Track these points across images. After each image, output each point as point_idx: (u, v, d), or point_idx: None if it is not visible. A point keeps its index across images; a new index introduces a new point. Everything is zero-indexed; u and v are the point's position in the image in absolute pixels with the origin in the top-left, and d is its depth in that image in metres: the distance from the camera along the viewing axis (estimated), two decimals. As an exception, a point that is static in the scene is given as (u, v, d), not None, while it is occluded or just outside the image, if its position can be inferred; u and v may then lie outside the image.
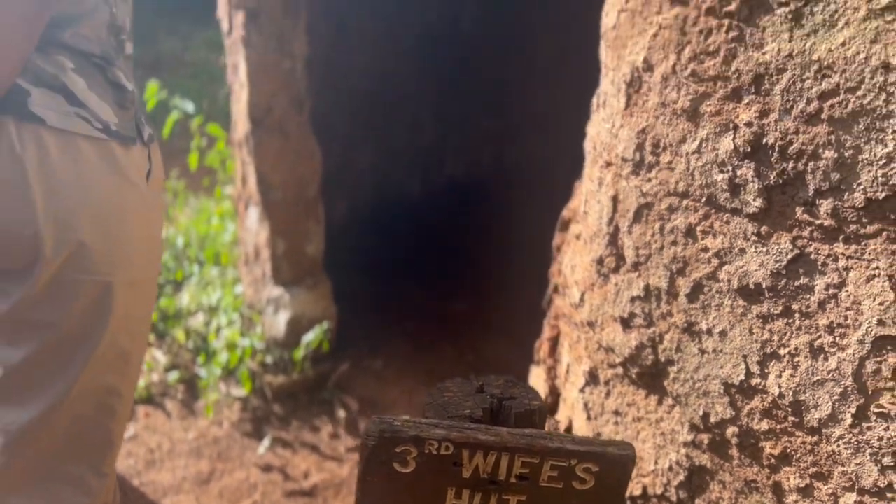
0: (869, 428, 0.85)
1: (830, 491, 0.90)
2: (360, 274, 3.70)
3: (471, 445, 0.80)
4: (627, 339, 1.15)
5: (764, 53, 0.86)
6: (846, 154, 0.81)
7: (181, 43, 8.56)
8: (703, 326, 1.03)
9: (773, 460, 0.97)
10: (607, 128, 1.14)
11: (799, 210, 0.88)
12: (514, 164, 5.39)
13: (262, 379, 2.71)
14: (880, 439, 0.84)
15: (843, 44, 0.79)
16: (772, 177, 0.89)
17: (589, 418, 1.31)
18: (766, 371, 0.96)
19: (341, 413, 2.68)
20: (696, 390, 1.06)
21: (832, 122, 0.82)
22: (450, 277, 3.96)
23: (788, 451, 0.94)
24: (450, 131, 5.11)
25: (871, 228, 0.82)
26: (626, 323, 1.15)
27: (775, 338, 0.94)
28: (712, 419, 1.04)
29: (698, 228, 1.00)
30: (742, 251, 0.95)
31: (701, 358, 1.04)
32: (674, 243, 1.04)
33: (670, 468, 1.14)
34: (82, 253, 0.99)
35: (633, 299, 1.13)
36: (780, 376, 0.94)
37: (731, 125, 0.92)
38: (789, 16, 0.83)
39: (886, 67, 0.76)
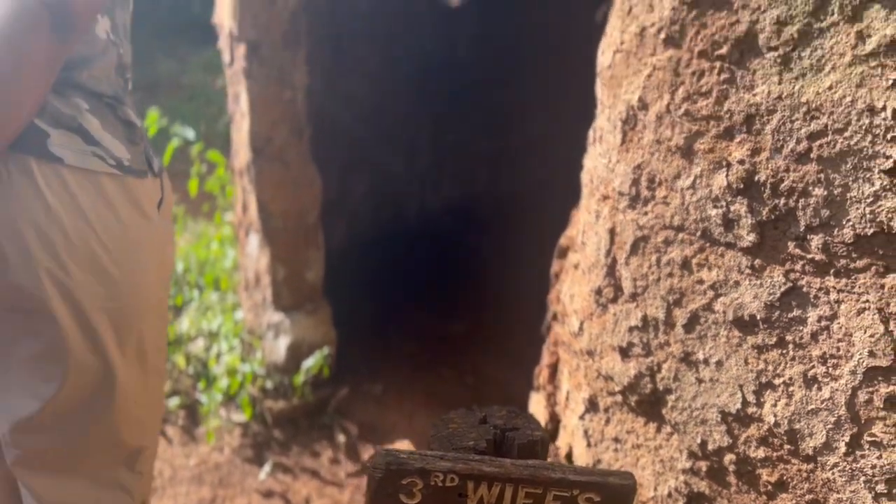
0: (862, 456, 0.88)
1: (826, 518, 0.92)
2: (359, 297, 3.72)
3: (475, 477, 0.83)
4: (626, 367, 1.18)
5: (755, 95, 0.89)
6: (835, 192, 0.85)
7: (178, 65, 8.61)
8: (700, 356, 1.06)
9: (769, 487, 0.99)
10: (604, 162, 1.17)
11: (791, 244, 0.91)
12: (510, 186, 5.43)
13: (263, 404, 2.73)
14: (873, 467, 0.87)
15: (830, 87, 0.82)
16: (764, 212, 0.92)
17: (589, 445, 1.33)
18: (762, 400, 0.98)
19: (341, 438, 2.69)
20: (694, 418, 1.09)
21: (821, 161, 0.85)
22: (448, 299, 3.99)
23: (785, 478, 0.97)
24: (446, 155, 5.15)
25: (860, 263, 0.85)
26: (625, 352, 1.17)
27: (770, 368, 0.97)
28: (710, 447, 1.07)
29: (694, 261, 1.03)
30: (737, 283, 0.98)
31: (698, 387, 1.07)
32: (670, 275, 1.07)
33: (669, 495, 1.16)
34: (106, 283, 1.05)
35: (631, 329, 1.16)
36: (775, 405, 0.97)
37: (724, 162, 0.95)
38: (778, 60, 0.86)
39: (871, 110, 0.79)
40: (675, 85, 0.99)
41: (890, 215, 0.80)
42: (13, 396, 1.06)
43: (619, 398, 1.23)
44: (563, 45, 4.90)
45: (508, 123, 5.29)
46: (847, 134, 0.82)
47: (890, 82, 0.77)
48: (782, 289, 0.93)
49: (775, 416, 0.96)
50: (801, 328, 0.92)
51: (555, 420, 1.50)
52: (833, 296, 0.88)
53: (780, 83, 0.87)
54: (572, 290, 1.36)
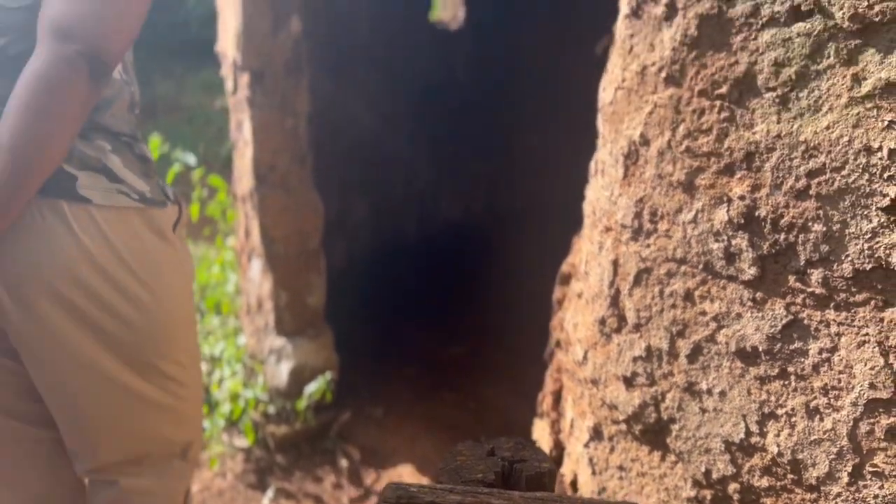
0: (865, 486, 0.89)
1: (830, 547, 0.94)
2: (360, 320, 3.73)
3: (486, 510, 0.84)
4: (630, 397, 1.20)
5: (754, 133, 0.92)
6: (834, 228, 0.87)
7: (176, 86, 8.65)
8: (704, 386, 1.07)
9: (774, 517, 1.01)
10: (606, 195, 1.20)
11: (791, 278, 0.93)
12: (509, 206, 5.47)
13: (265, 429, 2.73)
14: (875, 497, 0.88)
15: (828, 127, 0.85)
16: (765, 247, 0.94)
17: (594, 473, 1.35)
18: (765, 430, 1.00)
19: (343, 462, 2.70)
20: (698, 447, 1.10)
21: (820, 198, 0.87)
22: (448, 320, 4.00)
23: (789, 508, 0.98)
24: (445, 176, 5.19)
25: (859, 297, 0.87)
26: (629, 382, 1.19)
27: (773, 398, 0.98)
28: (714, 475, 1.08)
29: (696, 293, 1.05)
30: (739, 316, 1.00)
31: (702, 416, 1.09)
32: (673, 306, 1.09)
33: (675, 523, 1.18)
34: (138, 306, 1.16)
35: (635, 359, 1.17)
36: (778, 435, 0.98)
37: (725, 198, 0.97)
38: (777, 100, 0.89)
39: (868, 150, 0.82)
40: (675, 122, 1.01)
41: (888, 251, 0.82)
42: None
43: (623, 427, 1.25)
44: (561, 67, 4.95)
45: (507, 143, 5.33)
46: (845, 172, 0.84)
47: (885, 123, 0.80)
48: (783, 321, 0.95)
49: (778, 445, 0.98)
50: (802, 360, 0.94)
51: (559, 447, 1.51)
52: (833, 329, 0.90)
53: (778, 122, 0.89)
54: (576, 318, 1.37)
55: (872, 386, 0.87)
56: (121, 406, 1.22)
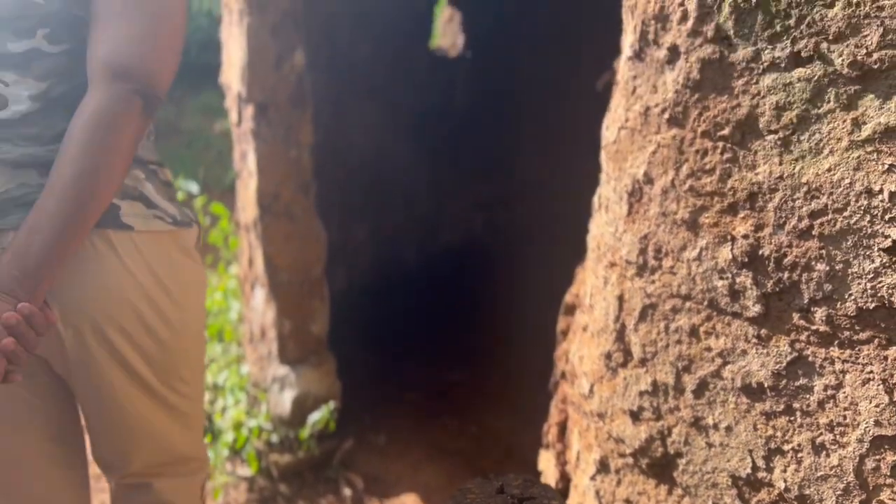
0: (872, 522, 0.90)
1: (839, 583, 0.94)
2: (361, 345, 3.73)
3: (498, 550, 0.85)
4: (637, 431, 1.21)
5: (757, 174, 0.94)
6: (837, 267, 0.88)
7: (175, 109, 8.66)
8: (710, 421, 1.08)
9: (782, 552, 1.01)
10: (611, 231, 1.21)
11: (796, 316, 0.94)
12: (508, 231, 5.48)
13: (269, 458, 2.73)
14: (883, 533, 0.89)
15: (829, 169, 0.87)
16: (769, 285, 0.96)
17: (601, 505, 1.35)
18: (772, 465, 1.01)
19: (347, 491, 2.69)
20: (705, 482, 1.11)
21: (823, 238, 0.89)
22: (449, 345, 4.00)
23: (797, 543, 0.99)
24: (445, 201, 5.22)
25: (863, 335, 0.88)
26: (636, 416, 1.20)
27: (779, 434, 1.00)
28: (722, 510, 1.09)
29: (701, 329, 1.07)
30: (744, 352, 1.02)
31: (708, 451, 1.10)
32: (678, 342, 1.11)
33: (683, 557, 1.18)
34: (168, 325, 1.24)
35: (641, 393, 1.19)
36: (784, 471, 0.99)
37: (729, 236, 0.99)
38: (779, 142, 0.91)
39: (869, 192, 0.84)
40: (679, 162, 1.03)
41: (890, 291, 0.84)
42: None
43: (630, 460, 1.25)
44: (559, 92, 5.00)
45: (506, 168, 5.37)
46: (847, 213, 0.86)
47: (886, 167, 0.82)
48: (788, 358, 0.96)
49: (785, 481, 0.99)
50: (808, 396, 0.95)
51: (565, 479, 1.52)
52: (838, 366, 0.92)
53: (780, 164, 0.91)
54: (581, 351, 1.39)
55: (878, 423, 0.88)
56: (155, 415, 1.31)
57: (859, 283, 0.87)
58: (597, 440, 1.34)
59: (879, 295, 0.85)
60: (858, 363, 0.89)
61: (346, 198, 4.14)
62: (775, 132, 0.91)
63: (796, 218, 0.91)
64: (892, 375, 0.86)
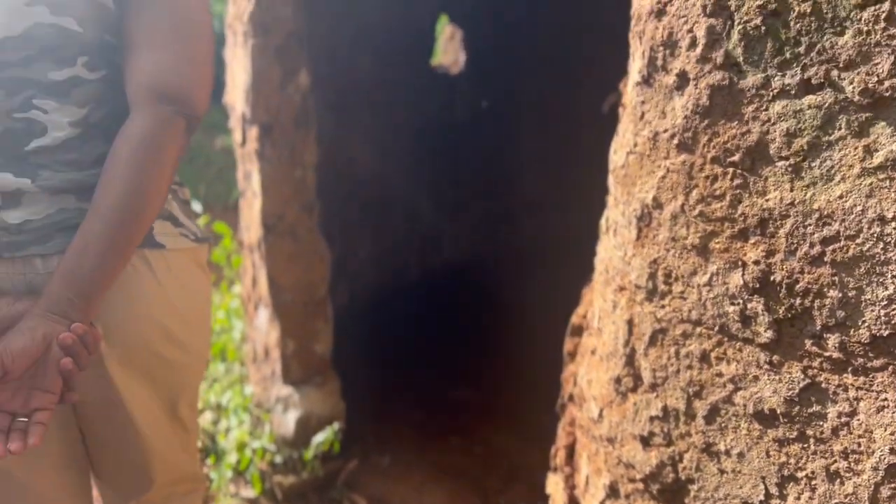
0: (888, 552, 0.89)
1: None
2: (364, 363, 3.72)
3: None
4: (648, 456, 1.20)
5: (767, 200, 0.94)
6: (850, 294, 0.88)
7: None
8: (722, 447, 1.08)
9: (797, 581, 1.00)
10: (619, 255, 1.21)
11: (808, 342, 0.94)
12: (511, 247, 5.48)
13: (272, 479, 2.71)
14: (900, 563, 0.88)
15: (841, 196, 0.86)
16: (781, 311, 0.95)
17: (610, 531, 1.34)
18: (785, 493, 1.00)
19: (351, 513, 2.67)
20: (718, 508, 1.10)
21: (835, 264, 0.88)
22: (453, 362, 3.98)
23: (812, 572, 0.98)
24: (447, 217, 5.22)
25: (877, 362, 0.88)
26: (646, 441, 1.19)
27: (792, 461, 0.99)
28: (735, 537, 1.08)
29: (712, 355, 1.06)
30: (756, 378, 1.01)
31: (720, 478, 1.09)
32: (689, 367, 1.10)
33: (695, 584, 1.17)
34: (185, 336, 1.27)
35: (651, 419, 1.18)
36: (798, 498, 0.98)
37: (740, 262, 0.99)
38: (789, 168, 0.91)
39: (882, 219, 0.83)
40: (689, 187, 1.03)
41: (904, 319, 0.84)
42: None
43: (640, 485, 1.24)
44: (560, 109, 5.01)
45: (508, 185, 5.37)
46: (859, 241, 0.86)
47: (898, 194, 0.82)
48: (801, 384, 0.96)
49: (799, 509, 0.98)
50: (821, 423, 0.95)
51: (574, 503, 1.51)
52: (852, 393, 0.91)
53: (791, 190, 0.91)
54: (590, 375, 1.38)
55: (893, 451, 0.88)
56: (168, 433, 1.34)
57: (873, 311, 0.86)
58: (606, 465, 1.33)
59: (893, 322, 0.85)
60: (873, 390, 0.89)
61: (347, 215, 4.14)
62: (786, 158, 0.91)
63: (808, 244, 0.91)
64: (907, 403, 0.86)
